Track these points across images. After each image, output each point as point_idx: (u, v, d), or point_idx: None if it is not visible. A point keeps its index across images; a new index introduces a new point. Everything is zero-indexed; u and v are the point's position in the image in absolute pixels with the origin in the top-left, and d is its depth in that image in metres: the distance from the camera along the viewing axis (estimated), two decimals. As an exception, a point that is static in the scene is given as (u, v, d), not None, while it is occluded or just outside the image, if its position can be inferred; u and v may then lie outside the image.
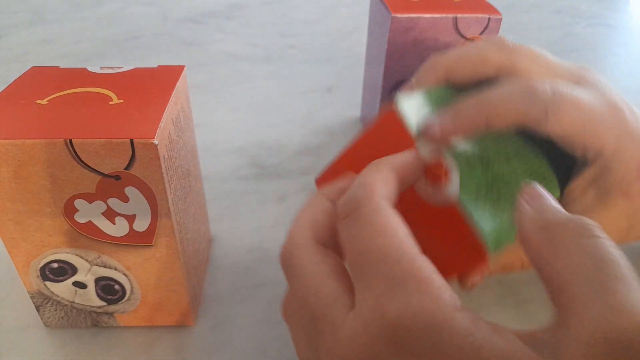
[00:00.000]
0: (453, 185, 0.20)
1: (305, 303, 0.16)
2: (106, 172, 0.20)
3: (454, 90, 0.24)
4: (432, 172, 0.20)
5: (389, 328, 0.14)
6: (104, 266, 0.23)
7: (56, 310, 0.25)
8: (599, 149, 0.22)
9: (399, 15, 0.33)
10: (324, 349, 0.15)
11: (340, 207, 0.17)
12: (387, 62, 0.35)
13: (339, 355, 0.15)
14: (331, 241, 0.18)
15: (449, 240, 0.21)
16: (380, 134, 0.22)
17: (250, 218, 0.34)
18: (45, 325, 0.26)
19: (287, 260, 0.17)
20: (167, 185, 0.21)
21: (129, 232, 0.22)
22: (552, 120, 0.21)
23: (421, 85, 0.24)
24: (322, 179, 0.25)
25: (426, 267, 0.15)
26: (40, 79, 0.23)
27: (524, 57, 0.23)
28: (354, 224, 0.16)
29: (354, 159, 0.23)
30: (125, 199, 0.21)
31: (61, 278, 0.23)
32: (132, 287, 0.24)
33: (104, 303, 0.25)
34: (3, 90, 0.22)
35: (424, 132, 0.21)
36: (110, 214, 0.21)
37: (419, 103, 0.22)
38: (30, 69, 0.24)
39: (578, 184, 0.23)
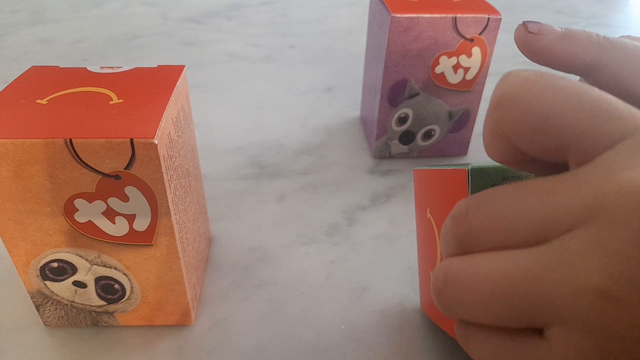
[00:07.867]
0: None
1: None
2: (106, 172, 0.20)
3: None
4: None
5: None
6: (104, 266, 0.23)
7: (56, 309, 0.25)
8: None
9: (398, 15, 0.33)
10: None
11: None
12: (387, 62, 0.35)
13: None
14: None
15: None
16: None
17: (250, 218, 0.34)
18: (45, 325, 0.26)
19: None
20: (167, 185, 0.21)
21: (129, 232, 0.22)
22: None
23: None
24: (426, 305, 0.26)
25: None
26: (40, 78, 0.23)
27: None
28: None
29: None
30: (125, 198, 0.21)
31: (61, 277, 0.23)
32: (132, 287, 0.24)
33: (104, 302, 0.25)
34: (3, 89, 0.22)
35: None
36: (110, 214, 0.21)
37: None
38: (30, 68, 0.24)
39: None
